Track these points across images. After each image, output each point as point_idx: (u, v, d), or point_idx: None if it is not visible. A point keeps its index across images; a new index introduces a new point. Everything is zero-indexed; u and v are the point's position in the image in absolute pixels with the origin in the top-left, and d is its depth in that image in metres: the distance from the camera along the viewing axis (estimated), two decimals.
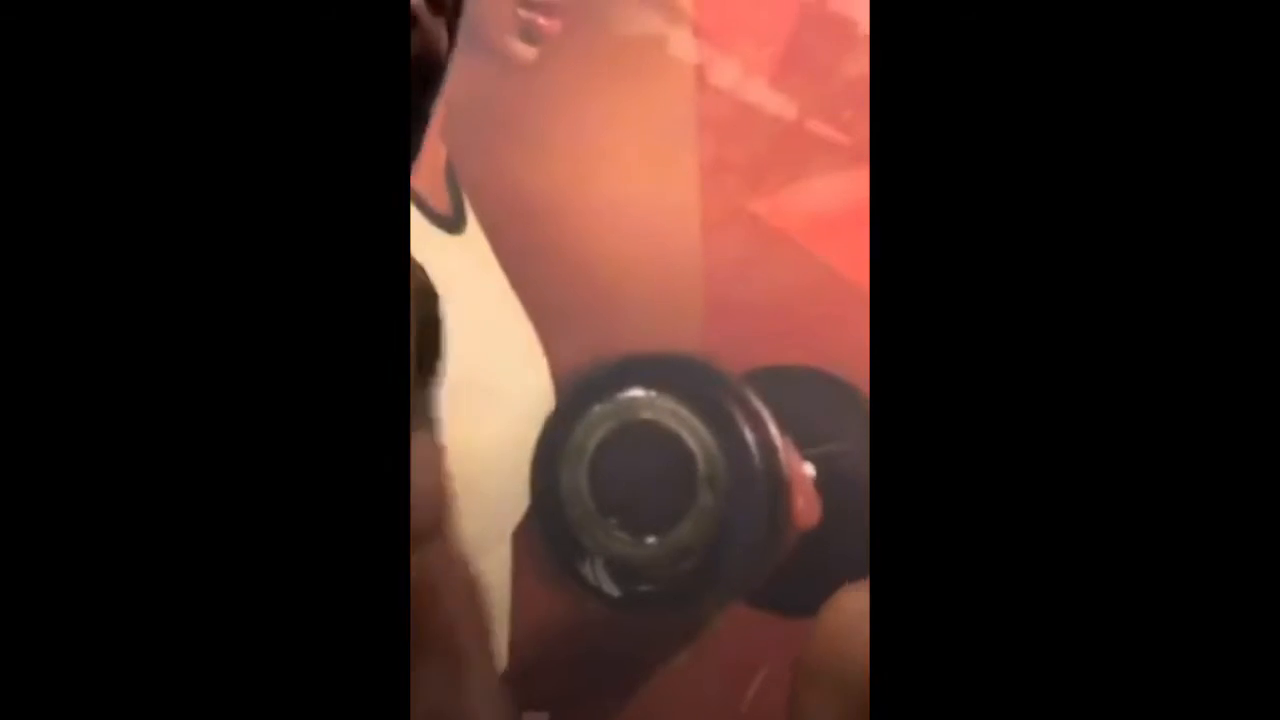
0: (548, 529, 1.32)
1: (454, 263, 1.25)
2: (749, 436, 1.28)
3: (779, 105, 1.41)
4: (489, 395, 1.19)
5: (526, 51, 1.41)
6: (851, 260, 1.31)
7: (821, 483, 1.34)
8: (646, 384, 1.32)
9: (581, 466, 1.31)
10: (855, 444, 1.35)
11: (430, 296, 0.86)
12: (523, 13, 1.41)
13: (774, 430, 1.30)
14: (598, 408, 1.32)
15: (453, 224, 1.34)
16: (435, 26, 0.82)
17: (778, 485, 1.29)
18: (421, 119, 0.78)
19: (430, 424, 0.87)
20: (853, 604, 0.70)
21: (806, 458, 1.33)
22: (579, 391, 1.33)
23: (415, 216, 1.01)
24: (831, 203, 1.34)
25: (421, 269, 0.88)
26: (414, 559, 0.78)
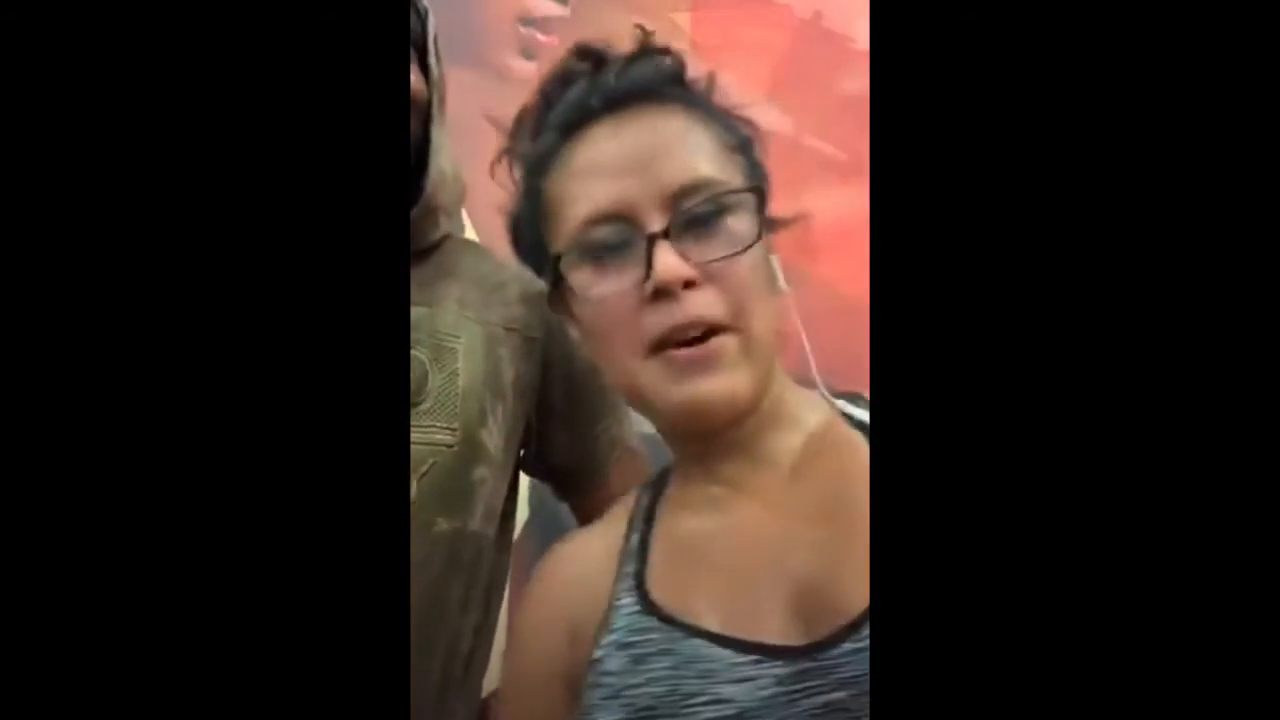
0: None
1: None
2: None
3: (775, 121, 1.41)
4: None
5: (525, 67, 1.43)
6: (848, 274, 1.32)
7: None
8: None
9: None
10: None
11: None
12: (521, 29, 1.43)
13: None
14: None
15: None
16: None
17: None
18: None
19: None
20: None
21: None
22: None
23: None
24: (827, 217, 1.35)
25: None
26: None
